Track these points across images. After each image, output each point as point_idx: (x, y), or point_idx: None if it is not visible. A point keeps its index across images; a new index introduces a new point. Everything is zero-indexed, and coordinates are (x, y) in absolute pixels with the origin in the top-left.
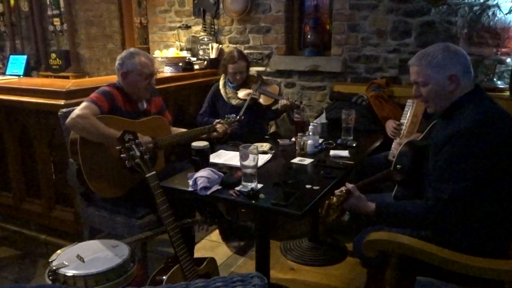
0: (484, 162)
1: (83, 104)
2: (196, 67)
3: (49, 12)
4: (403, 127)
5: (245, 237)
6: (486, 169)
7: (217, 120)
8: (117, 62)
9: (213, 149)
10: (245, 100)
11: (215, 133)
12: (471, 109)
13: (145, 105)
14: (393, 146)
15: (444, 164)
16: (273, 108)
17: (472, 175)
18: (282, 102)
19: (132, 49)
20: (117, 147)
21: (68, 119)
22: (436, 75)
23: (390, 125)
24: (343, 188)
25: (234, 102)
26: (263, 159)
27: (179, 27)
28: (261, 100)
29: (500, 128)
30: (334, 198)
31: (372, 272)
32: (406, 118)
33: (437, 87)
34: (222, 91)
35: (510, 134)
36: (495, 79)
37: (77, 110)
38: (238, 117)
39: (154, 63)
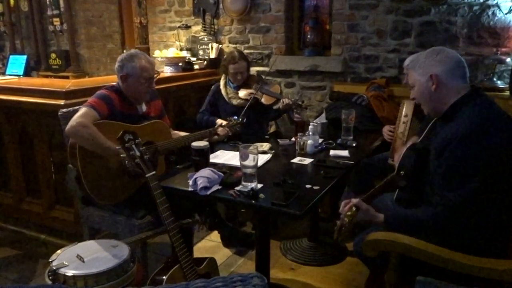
0: (485, 165)
1: (83, 111)
2: (196, 67)
3: (49, 12)
4: (396, 128)
5: (246, 244)
6: (488, 172)
7: (219, 123)
8: (117, 64)
9: (213, 149)
10: (246, 100)
11: (216, 137)
12: (468, 112)
13: (144, 108)
14: (391, 150)
15: (446, 171)
16: (275, 107)
17: (475, 179)
18: (284, 101)
19: (133, 51)
20: (117, 147)
21: (68, 127)
22: (419, 77)
23: (386, 129)
24: (352, 206)
25: (235, 102)
26: (263, 159)
27: (179, 27)
28: (262, 100)
29: (497, 131)
30: (346, 218)
31: (374, 272)
32: (397, 118)
33: (420, 88)
34: (223, 91)
35: (508, 136)
36: (495, 79)
37: (77, 118)
38: (240, 119)
39: (155, 65)
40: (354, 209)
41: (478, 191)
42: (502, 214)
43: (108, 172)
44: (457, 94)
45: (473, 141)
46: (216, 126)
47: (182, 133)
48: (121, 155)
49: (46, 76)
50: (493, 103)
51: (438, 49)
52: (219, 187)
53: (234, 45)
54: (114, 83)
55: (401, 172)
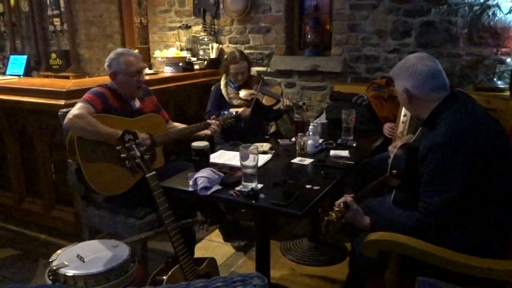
0: (465, 171)
1: (78, 105)
2: (196, 67)
3: (49, 12)
4: (395, 128)
5: (247, 236)
6: (466, 179)
7: (212, 118)
8: (105, 64)
9: (213, 149)
10: (246, 100)
11: (209, 130)
12: (446, 120)
13: (138, 104)
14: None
15: (428, 177)
16: (275, 108)
17: (455, 184)
18: (285, 102)
19: (118, 50)
20: (117, 147)
21: (65, 120)
22: (397, 87)
23: (387, 126)
24: (341, 203)
25: (235, 102)
26: (263, 159)
27: (179, 27)
28: (263, 101)
29: (474, 136)
30: (333, 214)
31: (351, 275)
32: (397, 118)
33: (400, 98)
34: (223, 91)
35: (485, 141)
36: (495, 79)
37: (73, 111)
38: (234, 113)
39: (141, 59)
40: (342, 206)
41: (459, 197)
42: (496, 214)
43: (108, 164)
44: (434, 103)
45: (450, 149)
46: (210, 119)
47: (181, 125)
48: (121, 155)
49: (47, 76)
50: (472, 105)
51: (410, 63)
52: (219, 187)
53: (234, 45)
54: (107, 83)
55: (394, 171)
